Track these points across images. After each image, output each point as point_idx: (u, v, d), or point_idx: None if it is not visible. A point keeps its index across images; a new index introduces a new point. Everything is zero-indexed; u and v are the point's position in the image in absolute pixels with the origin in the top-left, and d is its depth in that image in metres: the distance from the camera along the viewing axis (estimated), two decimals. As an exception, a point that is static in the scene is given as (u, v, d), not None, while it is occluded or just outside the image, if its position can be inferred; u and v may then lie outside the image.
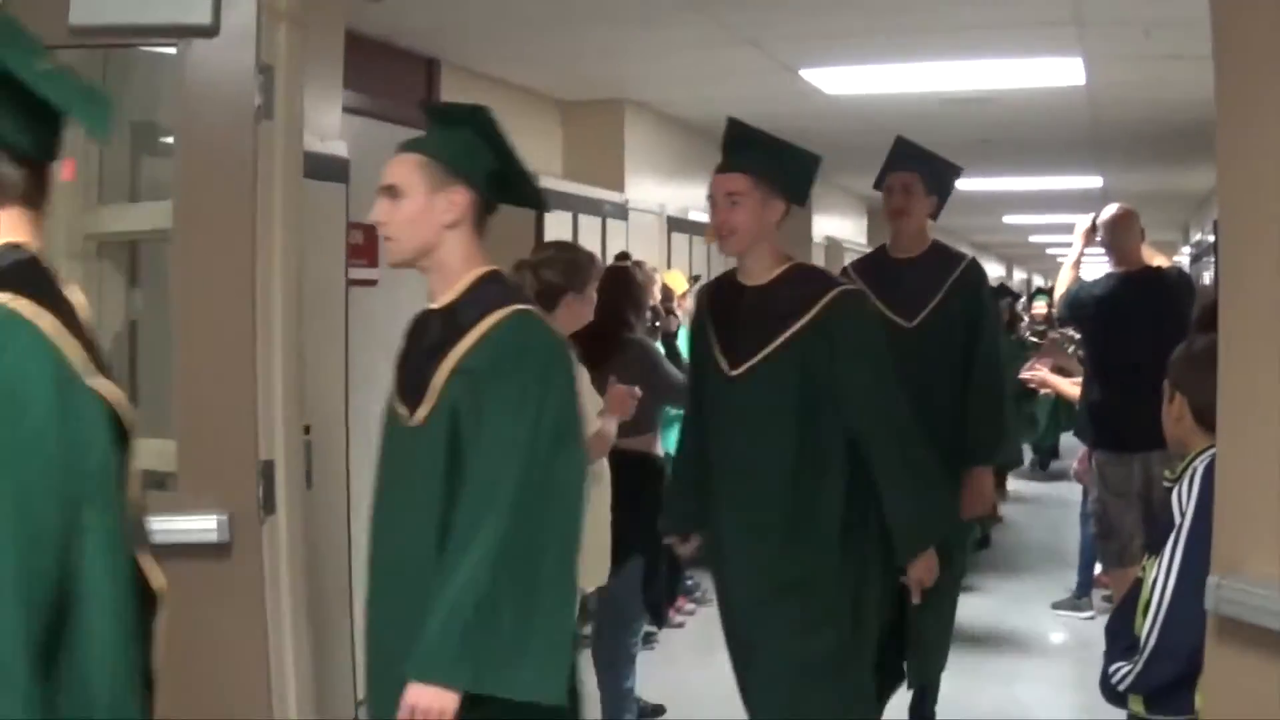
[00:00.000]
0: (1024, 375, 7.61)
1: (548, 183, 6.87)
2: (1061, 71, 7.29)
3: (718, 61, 7.02)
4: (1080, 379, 6.87)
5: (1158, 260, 6.32)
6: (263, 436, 3.30)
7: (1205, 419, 2.77)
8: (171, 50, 3.32)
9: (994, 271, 25.23)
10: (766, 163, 3.82)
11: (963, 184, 12.79)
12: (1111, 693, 2.96)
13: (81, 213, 3.80)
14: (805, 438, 3.76)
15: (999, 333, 5.46)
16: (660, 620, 5.81)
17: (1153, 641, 2.79)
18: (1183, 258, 13.12)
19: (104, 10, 3.22)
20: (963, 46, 6.69)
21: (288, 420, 3.38)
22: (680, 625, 6.98)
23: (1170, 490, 2.93)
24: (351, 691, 4.55)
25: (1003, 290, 13.20)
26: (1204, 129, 2.58)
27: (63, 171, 3.67)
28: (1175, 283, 6.10)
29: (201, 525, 3.17)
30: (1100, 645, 3.13)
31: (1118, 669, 2.90)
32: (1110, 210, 6.17)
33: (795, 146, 3.92)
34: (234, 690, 3.28)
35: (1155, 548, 2.89)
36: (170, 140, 4.09)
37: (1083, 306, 6.17)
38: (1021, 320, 12.43)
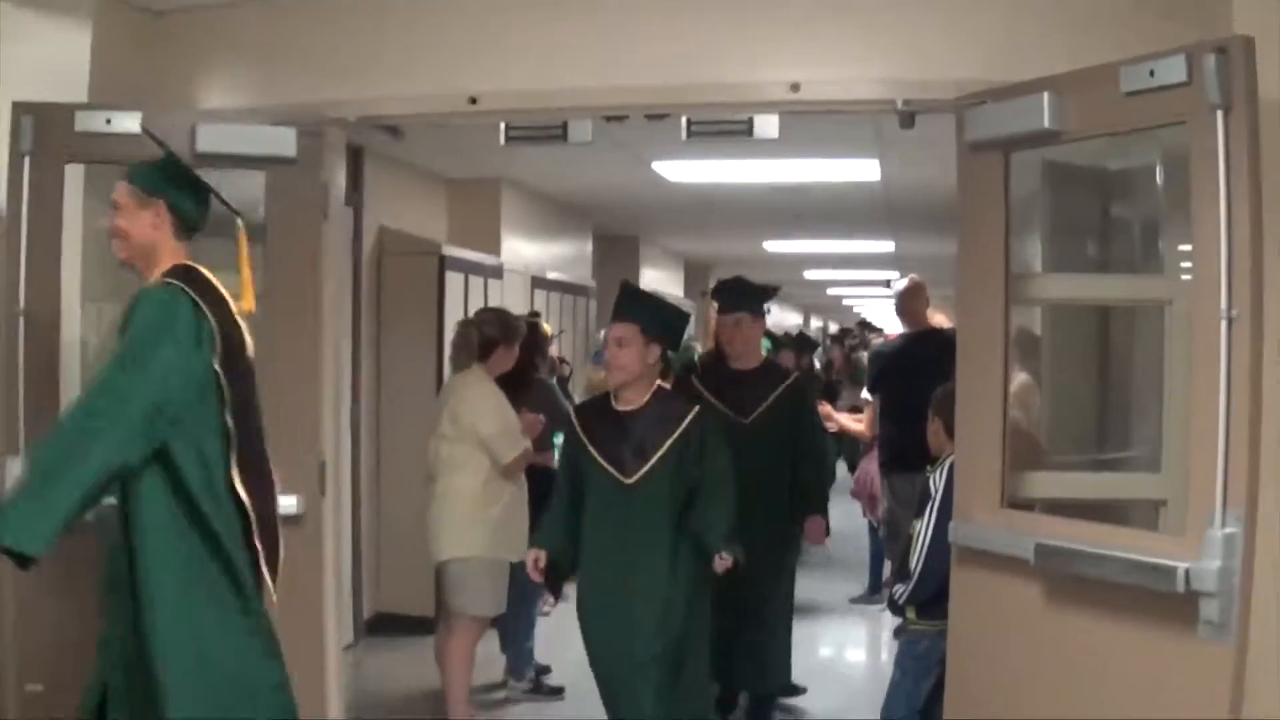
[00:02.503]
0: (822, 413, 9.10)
1: (444, 250, 8.16)
2: (862, 169, 8.62)
3: (584, 155, 7.92)
4: (863, 414, 8.35)
5: (939, 319, 7.75)
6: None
7: (951, 433, 4.32)
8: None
9: (793, 320, 26.44)
10: (650, 316, 4.64)
11: (772, 246, 14.37)
12: (894, 606, 4.58)
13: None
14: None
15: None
16: (557, 594, 6.62)
17: (919, 567, 4.41)
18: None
19: (222, 143, 4.54)
20: (784, 151, 7.66)
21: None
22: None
23: (929, 477, 4.56)
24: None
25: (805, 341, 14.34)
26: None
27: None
28: (951, 340, 7.49)
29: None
30: (886, 628, 4.66)
31: (897, 588, 4.51)
32: (902, 282, 7.54)
33: (673, 305, 4.84)
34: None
35: (920, 512, 4.51)
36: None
37: (882, 359, 7.65)
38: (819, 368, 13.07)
